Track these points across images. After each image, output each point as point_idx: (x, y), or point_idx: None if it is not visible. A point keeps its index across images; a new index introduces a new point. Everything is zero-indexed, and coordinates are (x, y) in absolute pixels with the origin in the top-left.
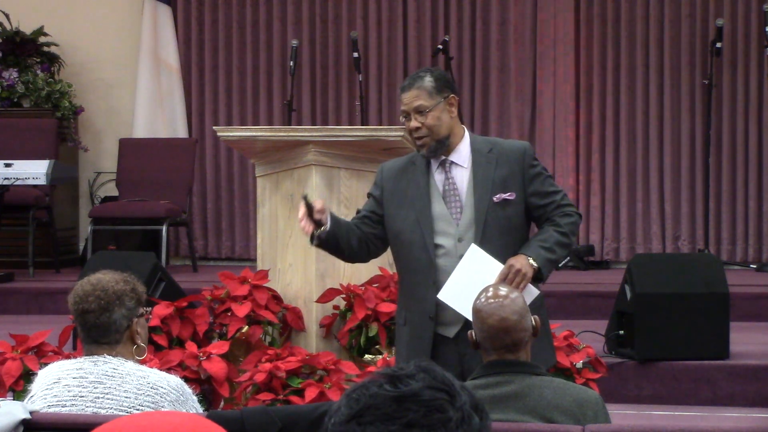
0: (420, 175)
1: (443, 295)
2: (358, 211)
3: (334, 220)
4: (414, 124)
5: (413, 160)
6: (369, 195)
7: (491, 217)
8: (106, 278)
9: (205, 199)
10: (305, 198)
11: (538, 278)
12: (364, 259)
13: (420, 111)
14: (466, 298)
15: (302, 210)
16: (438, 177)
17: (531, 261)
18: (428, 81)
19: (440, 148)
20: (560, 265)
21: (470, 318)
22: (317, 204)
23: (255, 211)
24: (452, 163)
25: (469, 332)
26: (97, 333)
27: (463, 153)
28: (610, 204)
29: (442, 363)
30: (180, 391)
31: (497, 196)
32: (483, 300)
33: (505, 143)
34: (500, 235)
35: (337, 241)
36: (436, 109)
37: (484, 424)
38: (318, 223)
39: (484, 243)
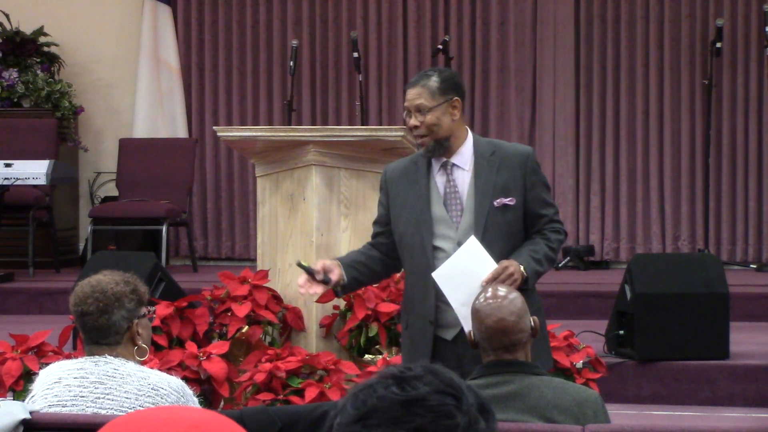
0: (421, 177)
1: (437, 275)
2: (374, 223)
3: (349, 266)
4: (413, 122)
5: (415, 161)
6: (379, 203)
7: (491, 221)
8: (105, 280)
9: (205, 199)
10: (300, 264)
11: (522, 287)
12: (396, 272)
13: (420, 110)
14: (456, 286)
15: (302, 278)
16: (439, 179)
17: (522, 269)
18: (434, 81)
19: (438, 148)
20: (560, 265)
21: (453, 303)
22: (317, 266)
23: (255, 211)
24: (454, 165)
25: (468, 332)
26: (96, 335)
27: (465, 155)
28: (610, 204)
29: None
30: (181, 392)
31: (498, 200)
32: (482, 300)
33: (509, 147)
34: (500, 239)
35: (359, 282)
36: (437, 110)
37: (490, 426)
38: (325, 282)
39: (484, 247)
